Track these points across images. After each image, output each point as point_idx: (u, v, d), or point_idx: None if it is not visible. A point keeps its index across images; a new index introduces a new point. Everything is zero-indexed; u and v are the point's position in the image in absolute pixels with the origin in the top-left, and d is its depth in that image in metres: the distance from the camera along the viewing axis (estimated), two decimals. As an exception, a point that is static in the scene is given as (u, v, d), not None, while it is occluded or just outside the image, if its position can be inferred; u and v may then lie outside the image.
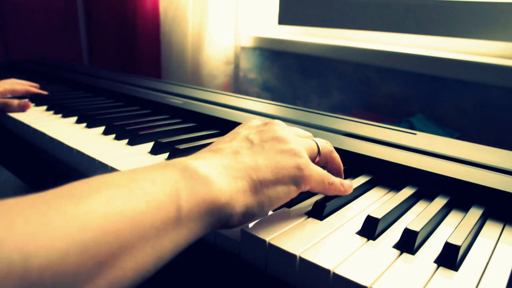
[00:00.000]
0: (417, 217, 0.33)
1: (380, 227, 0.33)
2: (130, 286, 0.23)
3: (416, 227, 0.31)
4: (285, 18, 1.24)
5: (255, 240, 0.31)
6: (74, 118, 0.66)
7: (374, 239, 0.32)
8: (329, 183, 0.35)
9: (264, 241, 0.31)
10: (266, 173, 0.30)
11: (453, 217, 0.38)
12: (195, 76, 1.32)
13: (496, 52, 0.93)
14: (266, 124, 0.36)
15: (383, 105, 1.07)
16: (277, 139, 0.34)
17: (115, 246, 0.21)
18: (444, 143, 0.51)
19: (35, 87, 0.83)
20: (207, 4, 1.25)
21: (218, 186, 0.27)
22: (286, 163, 0.32)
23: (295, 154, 0.33)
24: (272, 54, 1.28)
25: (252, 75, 1.35)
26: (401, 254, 0.30)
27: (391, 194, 0.42)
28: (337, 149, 0.47)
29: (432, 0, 0.94)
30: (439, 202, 0.37)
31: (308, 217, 0.35)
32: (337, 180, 0.36)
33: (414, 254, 0.31)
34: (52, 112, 0.70)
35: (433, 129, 0.91)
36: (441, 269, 0.29)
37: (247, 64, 1.36)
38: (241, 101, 0.73)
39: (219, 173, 0.29)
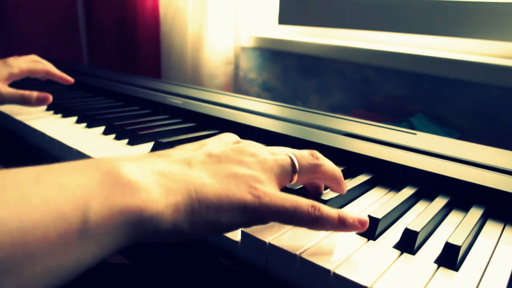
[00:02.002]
0: (418, 217, 0.33)
1: (380, 227, 0.33)
2: None
3: (416, 227, 0.31)
4: (285, 18, 1.24)
5: (256, 240, 0.31)
6: (74, 118, 0.66)
7: (374, 239, 0.32)
8: (310, 218, 0.28)
9: (264, 241, 0.31)
10: (209, 194, 0.27)
11: (454, 217, 0.38)
12: (195, 76, 1.32)
13: (496, 52, 0.93)
14: (237, 142, 0.34)
15: (383, 105, 1.07)
16: (238, 161, 0.30)
17: None
18: (444, 143, 0.51)
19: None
20: (207, 4, 1.25)
21: (145, 196, 0.24)
22: (238, 190, 0.28)
23: (254, 180, 0.29)
24: (272, 54, 1.28)
25: (252, 75, 1.35)
26: (401, 254, 0.30)
27: (391, 194, 0.42)
28: (337, 149, 0.47)
29: (432, 0, 0.94)
30: (440, 202, 0.37)
31: (308, 217, 0.35)
32: (330, 213, 0.29)
33: (415, 254, 0.31)
34: (52, 112, 0.70)
35: (433, 129, 0.91)
36: (441, 269, 0.29)
37: (247, 64, 1.35)
38: (241, 101, 0.73)
39: (153, 181, 0.25)
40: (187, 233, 0.26)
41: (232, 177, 0.28)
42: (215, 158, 0.30)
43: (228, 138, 0.34)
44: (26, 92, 0.61)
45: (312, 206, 0.29)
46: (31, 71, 0.66)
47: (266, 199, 0.28)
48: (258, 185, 0.28)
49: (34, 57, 0.68)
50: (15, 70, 0.63)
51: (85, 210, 0.22)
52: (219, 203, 0.27)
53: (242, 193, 0.28)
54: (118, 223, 0.23)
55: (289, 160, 0.31)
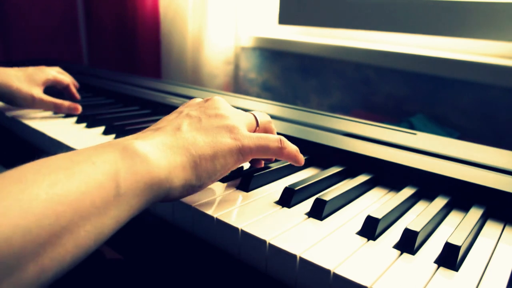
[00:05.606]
0: (417, 217, 0.33)
1: (380, 227, 0.33)
2: (73, 261, 0.25)
3: (416, 227, 0.31)
4: (285, 18, 1.24)
5: (255, 240, 0.31)
6: (74, 118, 0.66)
7: (374, 239, 0.32)
8: (279, 148, 0.37)
9: (264, 241, 0.31)
10: (204, 149, 0.33)
11: (454, 217, 0.38)
12: (195, 76, 1.32)
13: (496, 52, 0.93)
14: (207, 100, 0.39)
15: (383, 105, 1.07)
16: (215, 115, 0.36)
17: (56, 227, 0.23)
18: (444, 143, 0.51)
19: (75, 85, 0.77)
20: (207, 4, 1.25)
21: (157, 163, 0.30)
22: (223, 138, 0.34)
23: (232, 128, 0.35)
24: (272, 54, 1.28)
25: (252, 75, 1.35)
26: (401, 254, 0.30)
27: (391, 194, 0.42)
28: (337, 149, 0.47)
29: (432, 0, 0.94)
30: (439, 202, 0.37)
31: (308, 217, 0.35)
32: (291, 146, 0.39)
33: (414, 254, 0.30)
34: (52, 112, 0.70)
35: (433, 129, 0.91)
36: (441, 269, 0.29)
37: (247, 64, 1.35)
38: (241, 101, 0.73)
39: (159, 150, 0.31)
40: (195, 184, 0.33)
41: (215, 129, 0.35)
42: (196, 118, 0.36)
43: (196, 100, 0.40)
44: (58, 101, 0.66)
45: (279, 139, 0.37)
46: (57, 81, 0.72)
47: (245, 141, 0.35)
48: (236, 132, 0.35)
49: (59, 69, 0.75)
50: (50, 76, 0.70)
51: (116, 178, 0.27)
52: (213, 153, 0.33)
53: (226, 140, 0.34)
54: (141, 186, 0.28)
55: (253, 118, 0.41)
